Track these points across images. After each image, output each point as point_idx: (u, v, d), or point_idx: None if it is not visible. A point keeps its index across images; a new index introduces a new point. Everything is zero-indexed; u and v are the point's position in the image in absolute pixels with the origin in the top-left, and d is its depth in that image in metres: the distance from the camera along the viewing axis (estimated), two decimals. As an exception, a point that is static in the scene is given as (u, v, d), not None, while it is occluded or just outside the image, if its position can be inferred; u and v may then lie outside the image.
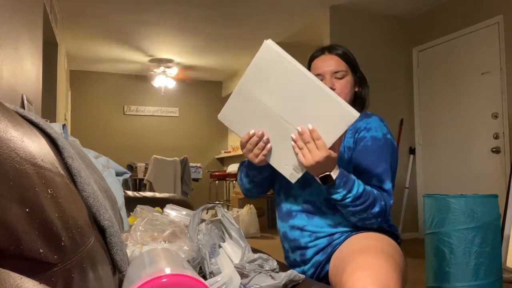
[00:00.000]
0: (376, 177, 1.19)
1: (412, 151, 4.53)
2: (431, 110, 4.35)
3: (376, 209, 1.13)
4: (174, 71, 6.44)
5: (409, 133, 4.55)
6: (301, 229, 1.24)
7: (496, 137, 3.60)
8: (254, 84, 1.05)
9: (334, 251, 1.21)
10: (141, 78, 7.20)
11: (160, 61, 6.23)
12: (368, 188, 1.14)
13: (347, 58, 1.31)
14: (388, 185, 1.20)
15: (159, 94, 7.20)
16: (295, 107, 1.02)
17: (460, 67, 3.99)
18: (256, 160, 1.11)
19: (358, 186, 1.10)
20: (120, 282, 0.76)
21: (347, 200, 1.09)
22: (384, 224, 1.25)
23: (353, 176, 1.11)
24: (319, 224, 1.23)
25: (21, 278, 0.41)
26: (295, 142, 1.04)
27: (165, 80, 6.46)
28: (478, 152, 3.76)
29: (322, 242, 1.22)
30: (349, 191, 1.09)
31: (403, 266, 1.12)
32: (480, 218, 2.21)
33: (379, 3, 4.21)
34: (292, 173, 1.08)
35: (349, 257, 1.07)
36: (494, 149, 3.61)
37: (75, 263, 0.54)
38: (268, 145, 1.08)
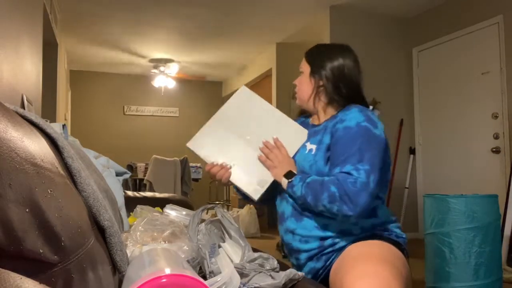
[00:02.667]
0: (340, 165, 1.15)
1: (412, 151, 4.53)
2: (431, 110, 4.35)
3: (325, 194, 1.12)
4: (174, 71, 6.44)
5: (409, 133, 4.55)
6: (292, 232, 1.26)
7: (496, 137, 3.60)
8: (229, 117, 1.33)
9: (331, 260, 1.19)
10: (141, 78, 7.20)
11: (160, 61, 6.23)
12: (318, 177, 1.18)
13: (309, 56, 1.37)
14: (348, 168, 1.13)
15: (159, 94, 7.19)
16: (261, 133, 1.26)
17: (460, 67, 3.99)
18: (221, 183, 1.30)
19: (307, 178, 1.19)
20: (120, 282, 0.76)
21: (300, 193, 1.18)
22: (384, 233, 1.22)
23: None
24: (307, 227, 1.22)
25: (21, 278, 0.41)
26: (262, 151, 1.26)
27: (165, 80, 6.46)
28: (478, 152, 3.76)
29: (313, 246, 1.21)
30: (302, 185, 1.18)
31: (406, 275, 1.08)
32: (480, 218, 2.21)
33: (379, 3, 4.21)
34: (255, 189, 1.24)
35: (349, 265, 1.06)
36: (494, 149, 3.61)
37: (75, 263, 0.54)
38: (228, 172, 1.27)
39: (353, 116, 1.21)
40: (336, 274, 1.10)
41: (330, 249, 1.20)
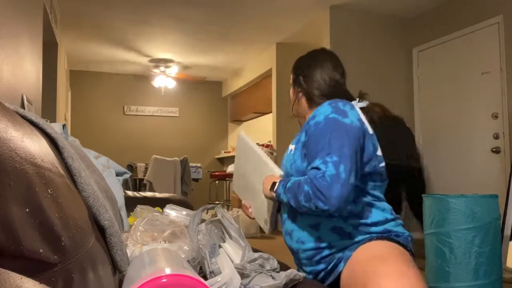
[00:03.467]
0: (311, 161, 1.17)
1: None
2: (431, 110, 4.35)
3: (302, 195, 1.13)
4: (174, 71, 6.44)
5: (409, 133, 4.54)
6: (290, 234, 1.28)
7: (496, 137, 3.60)
8: (239, 164, 1.53)
9: (333, 264, 1.18)
10: (141, 78, 7.20)
11: (160, 61, 6.23)
12: (296, 179, 1.20)
13: (292, 68, 1.48)
14: (316, 162, 1.14)
15: (159, 94, 7.20)
16: (257, 175, 1.39)
17: (460, 67, 3.99)
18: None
19: (287, 182, 1.23)
20: (120, 282, 0.76)
21: (284, 196, 1.21)
22: (384, 234, 1.19)
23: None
24: (302, 226, 1.23)
25: (21, 278, 0.41)
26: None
27: (165, 80, 6.46)
28: (478, 152, 3.76)
29: (308, 246, 1.21)
30: (285, 191, 1.22)
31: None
32: (480, 218, 2.21)
33: (379, 3, 4.21)
34: (263, 225, 1.39)
35: (369, 265, 1.05)
36: (494, 149, 3.61)
37: (75, 263, 0.54)
38: (249, 211, 1.44)
39: (322, 110, 1.23)
40: (353, 278, 1.09)
41: (327, 251, 1.19)
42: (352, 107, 1.24)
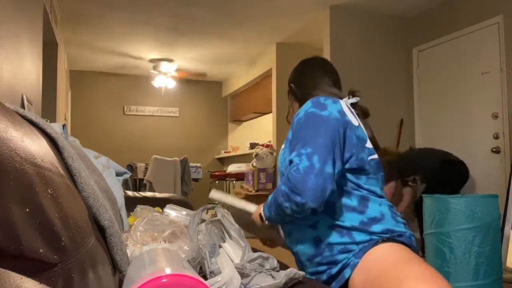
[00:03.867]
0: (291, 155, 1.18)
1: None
2: (431, 110, 4.35)
3: (280, 198, 1.14)
4: (173, 70, 6.44)
5: (409, 133, 4.55)
6: (289, 235, 1.28)
7: (496, 137, 3.60)
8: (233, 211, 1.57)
9: (339, 270, 1.15)
10: (141, 78, 7.20)
11: (160, 61, 6.23)
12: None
13: (288, 80, 1.52)
14: (292, 155, 1.15)
15: (159, 94, 7.20)
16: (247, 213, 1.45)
17: (460, 67, 3.99)
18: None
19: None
20: (120, 282, 0.76)
21: (272, 211, 1.23)
22: (383, 235, 1.16)
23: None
24: (299, 227, 1.23)
25: (21, 278, 0.41)
26: None
27: (165, 80, 6.46)
28: (478, 152, 3.76)
29: (308, 246, 1.20)
30: (269, 208, 1.24)
31: None
32: (480, 218, 2.21)
33: (379, 3, 4.21)
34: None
35: (393, 268, 1.03)
36: (494, 149, 3.61)
37: (75, 263, 0.54)
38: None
39: (304, 107, 1.24)
40: (370, 283, 1.06)
41: (327, 252, 1.17)
42: (335, 101, 1.23)
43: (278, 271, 1.00)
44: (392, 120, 4.50)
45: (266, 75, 5.91)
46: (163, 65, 6.27)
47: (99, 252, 0.67)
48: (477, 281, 2.18)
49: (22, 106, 2.16)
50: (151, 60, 6.22)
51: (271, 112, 5.70)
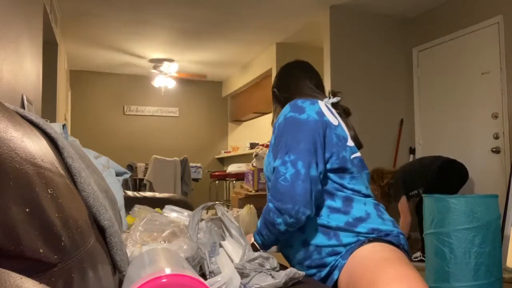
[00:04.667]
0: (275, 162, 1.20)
1: (412, 151, 4.53)
2: (431, 110, 4.35)
3: (270, 215, 1.15)
4: (174, 70, 6.44)
5: (409, 133, 4.55)
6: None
7: (496, 137, 3.60)
8: None
9: (328, 273, 1.15)
10: (141, 78, 7.20)
11: (160, 61, 6.23)
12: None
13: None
14: (277, 163, 1.17)
15: (159, 94, 7.20)
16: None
17: (460, 67, 3.99)
18: None
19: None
20: (120, 282, 0.76)
21: (265, 236, 1.21)
22: (370, 235, 1.15)
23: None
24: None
25: (21, 278, 0.41)
26: None
27: (165, 80, 6.46)
28: (478, 152, 3.76)
29: (297, 249, 1.20)
30: (260, 233, 1.22)
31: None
32: (480, 218, 2.21)
33: (379, 3, 4.21)
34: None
35: (371, 269, 1.04)
36: (494, 149, 3.61)
37: (75, 263, 0.54)
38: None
39: (283, 111, 1.26)
40: (354, 277, 1.07)
41: (316, 255, 1.17)
42: (314, 102, 1.24)
43: (278, 271, 1.00)
44: (392, 120, 4.50)
45: (266, 75, 5.91)
46: (163, 65, 6.27)
47: (99, 252, 0.67)
48: (477, 281, 2.18)
49: (22, 106, 2.16)
50: (151, 60, 6.22)
51: (271, 112, 5.70)
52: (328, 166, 1.19)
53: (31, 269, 0.45)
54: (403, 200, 3.60)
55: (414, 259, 3.35)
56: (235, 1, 4.13)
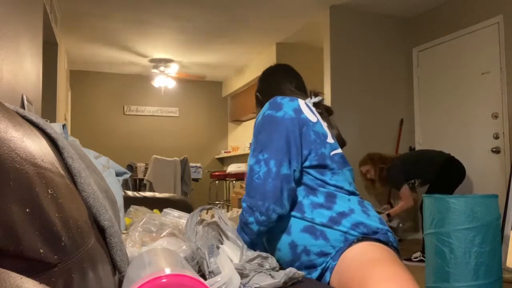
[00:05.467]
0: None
1: (412, 150, 4.53)
2: (431, 110, 4.35)
3: (245, 216, 1.16)
4: (174, 71, 6.44)
5: (409, 133, 4.55)
6: (268, 243, 1.27)
7: (496, 137, 3.60)
8: None
9: (319, 276, 1.15)
10: (141, 78, 7.20)
11: (160, 61, 6.23)
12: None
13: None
14: (251, 161, 1.19)
15: (159, 94, 7.20)
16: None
17: (460, 67, 3.99)
18: None
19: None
20: (120, 282, 0.76)
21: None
22: (353, 231, 1.13)
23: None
24: (274, 234, 1.21)
25: (21, 278, 0.41)
26: None
27: (165, 80, 6.46)
28: (478, 152, 3.76)
29: (285, 252, 1.19)
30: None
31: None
32: (480, 218, 2.21)
33: (379, 3, 4.21)
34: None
35: (360, 270, 1.03)
36: (494, 149, 3.61)
37: (75, 263, 0.54)
38: None
39: (263, 109, 1.27)
40: (345, 278, 1.06)
41: (305, 257, 1.16)
42: (293, 99, 1.25)
43: (277, 270, 1.00)
44: (392, 120, 4.50)
45: (266, 75, 5.90)
46: (163, 65, 6.27)
47: (99, 252, 0.67)
48: (477, 281, 2.18)
49: (22, 106, 2.16)
50: (151, 60, 6.22)
51: (271, 112, 5.69)
52: (307, 163, 1.19)
53: (31, 269, 0.45)
54: (405, 186, 3.63)
55: (414, 259, 3.36)
56: (235, 1, 4.13)
